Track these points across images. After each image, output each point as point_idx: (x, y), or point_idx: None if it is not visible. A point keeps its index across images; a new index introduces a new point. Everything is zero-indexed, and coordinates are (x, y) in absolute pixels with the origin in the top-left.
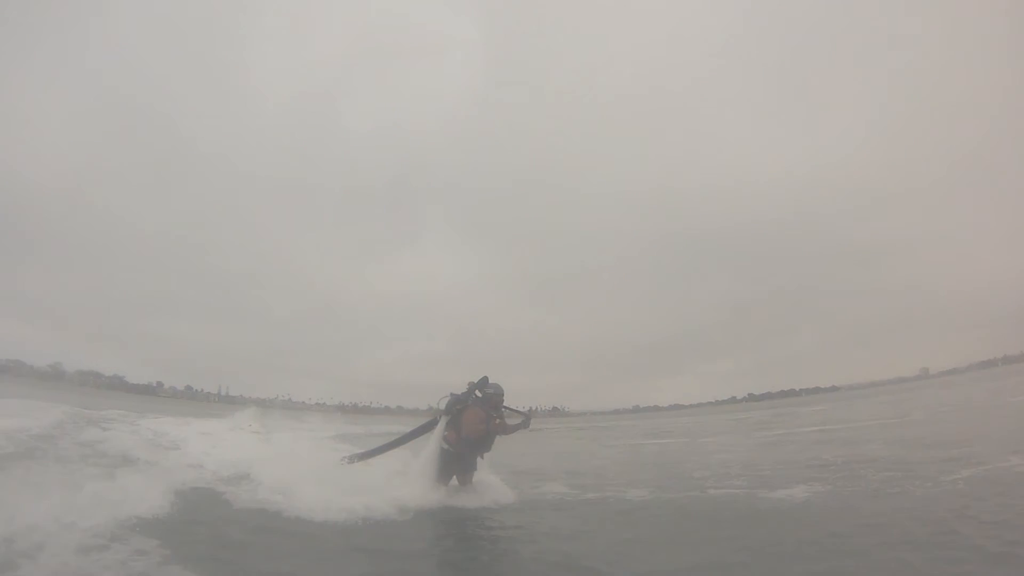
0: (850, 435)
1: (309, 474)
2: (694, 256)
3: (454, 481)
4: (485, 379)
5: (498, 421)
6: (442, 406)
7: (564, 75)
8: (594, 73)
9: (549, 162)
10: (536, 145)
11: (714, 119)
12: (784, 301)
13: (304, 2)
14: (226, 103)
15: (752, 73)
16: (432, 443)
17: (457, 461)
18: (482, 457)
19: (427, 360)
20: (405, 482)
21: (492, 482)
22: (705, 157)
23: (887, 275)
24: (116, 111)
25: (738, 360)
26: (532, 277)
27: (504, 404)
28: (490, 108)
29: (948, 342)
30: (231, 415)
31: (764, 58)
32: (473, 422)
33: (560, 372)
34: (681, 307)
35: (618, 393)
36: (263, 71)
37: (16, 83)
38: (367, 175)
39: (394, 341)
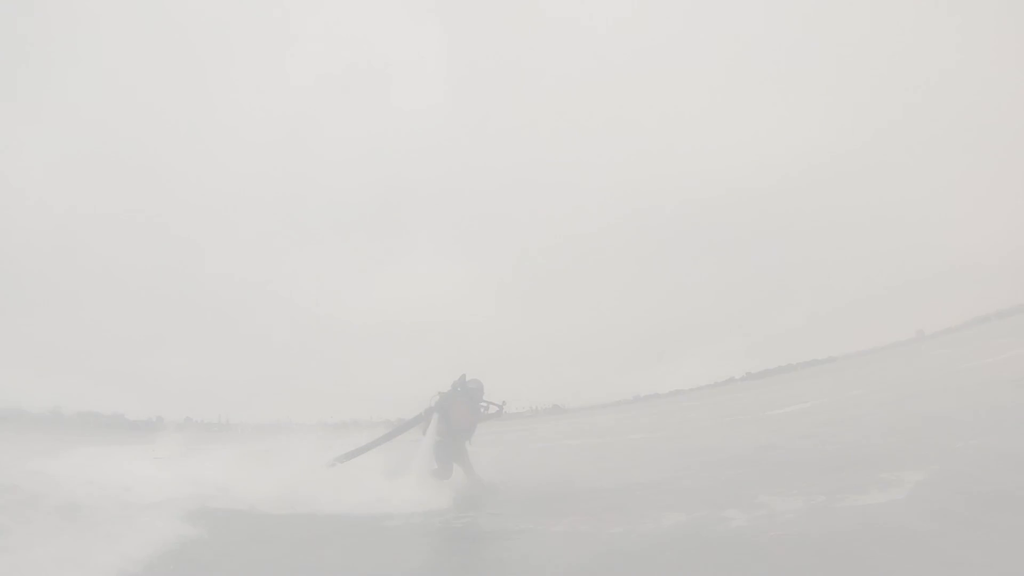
0: None
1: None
2: (677, 237)
3: (455, 469)
4: (463, 377)
5: (481, 411)
6: (433, 404)
7: (535, 67)
8: (565, 59)
9: (529, 159)
10: (513, 142)
11: (690, 96)
12: (774, 275)
13: (274, 36)
14: (209, 136)
15: (724, 42)
16: (428, 437)
17: (451, 449)
18: (469, 443)
19: (425, 370)
20: (408, 476)
21: None
22: (682, 133)
23: (878, 241)
24: (100, 153)
25: (733, 339)
26: (524, 277)
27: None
28: (464, 111)
29: (942, 301)
30: (152, 440)
31: (738, 27)
32: (463, 413)
33: (560, 369)
34: (671, 291)
35: (619, 385)
36: (241, 102)
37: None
38: (350, 193)
39: (392, 355)
